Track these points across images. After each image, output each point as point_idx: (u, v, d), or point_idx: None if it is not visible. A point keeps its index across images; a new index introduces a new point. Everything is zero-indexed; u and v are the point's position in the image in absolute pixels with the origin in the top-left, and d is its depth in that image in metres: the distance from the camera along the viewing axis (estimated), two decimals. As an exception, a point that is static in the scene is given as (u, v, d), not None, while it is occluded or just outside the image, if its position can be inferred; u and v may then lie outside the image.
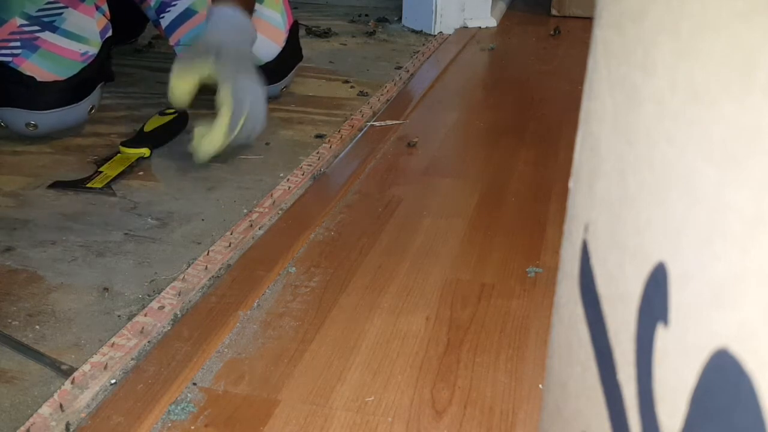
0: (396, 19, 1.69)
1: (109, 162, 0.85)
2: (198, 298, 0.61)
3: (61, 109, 0.91)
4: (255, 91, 0.85)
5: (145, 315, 0.58)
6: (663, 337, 0.21)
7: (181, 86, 0.83)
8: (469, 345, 0.56)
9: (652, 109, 0.21)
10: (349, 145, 0.94)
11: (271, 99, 1.11)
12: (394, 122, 1.02)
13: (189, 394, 0.50)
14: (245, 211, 0.76)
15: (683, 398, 0.20)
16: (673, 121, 0.20)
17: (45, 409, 0.47)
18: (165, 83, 1.19)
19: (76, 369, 0.51)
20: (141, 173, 0.85)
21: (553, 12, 1.80)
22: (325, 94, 1.17)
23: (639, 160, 0.22)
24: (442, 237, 0.72)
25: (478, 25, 1.64)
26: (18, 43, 0.88)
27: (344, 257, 0.68)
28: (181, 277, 0.63)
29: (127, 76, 1.20)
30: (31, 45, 0.88)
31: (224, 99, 0.82)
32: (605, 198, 0.25)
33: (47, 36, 0.90)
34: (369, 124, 1.01)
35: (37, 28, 0.89)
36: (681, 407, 0.20)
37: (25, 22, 0.89)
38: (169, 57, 1.16)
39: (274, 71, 1.06)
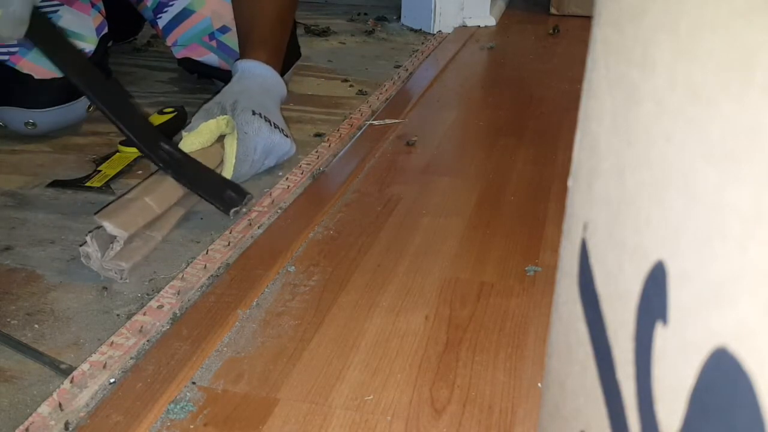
0: (395, 17, 1.69)
1: (108, 161, 0.85)
2: (197, 297, 0.61)
3: (59, 106, 0.90)
4: (255, 128, 0.77)
5: (144, 314, 0.58)
6: (662, 336, 0.21)
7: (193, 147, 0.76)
8: (468, 344, 0.56)
9: (651, 108, 0.21)
10: (348, 144, 0.94)
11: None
12: (393, 121, 1.02)
13: (188, 393, 0.50)
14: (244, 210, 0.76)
15: (682, 397, 0.20)
16: (671, 119, 0.20)
17: (44, 408, 0.47)
18: (164, 82, 1.20)
19: (75, 368, 0.51)
20: (140, 172, 0.85)
21: (552, 11, 1.80)
22: (324, 92, 1.16)
23: (638, 159, 0.22)
24: (441, 236, 0.72)
25: (477, 24, 1.64)
26: (14, 41, 0.88)
27: (343, 256, 0.68)
28: (180, 276, 0.63)
29: (126, 75, 1.20)
30: (27, 42, 0.88)
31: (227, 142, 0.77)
32: (604, 197, 0.25)
33: None
34: (368, 122, 1.01)
35: None
36: (680, 406, 0.20)
37: None
38: (168, 56, 1.16)
39: None
